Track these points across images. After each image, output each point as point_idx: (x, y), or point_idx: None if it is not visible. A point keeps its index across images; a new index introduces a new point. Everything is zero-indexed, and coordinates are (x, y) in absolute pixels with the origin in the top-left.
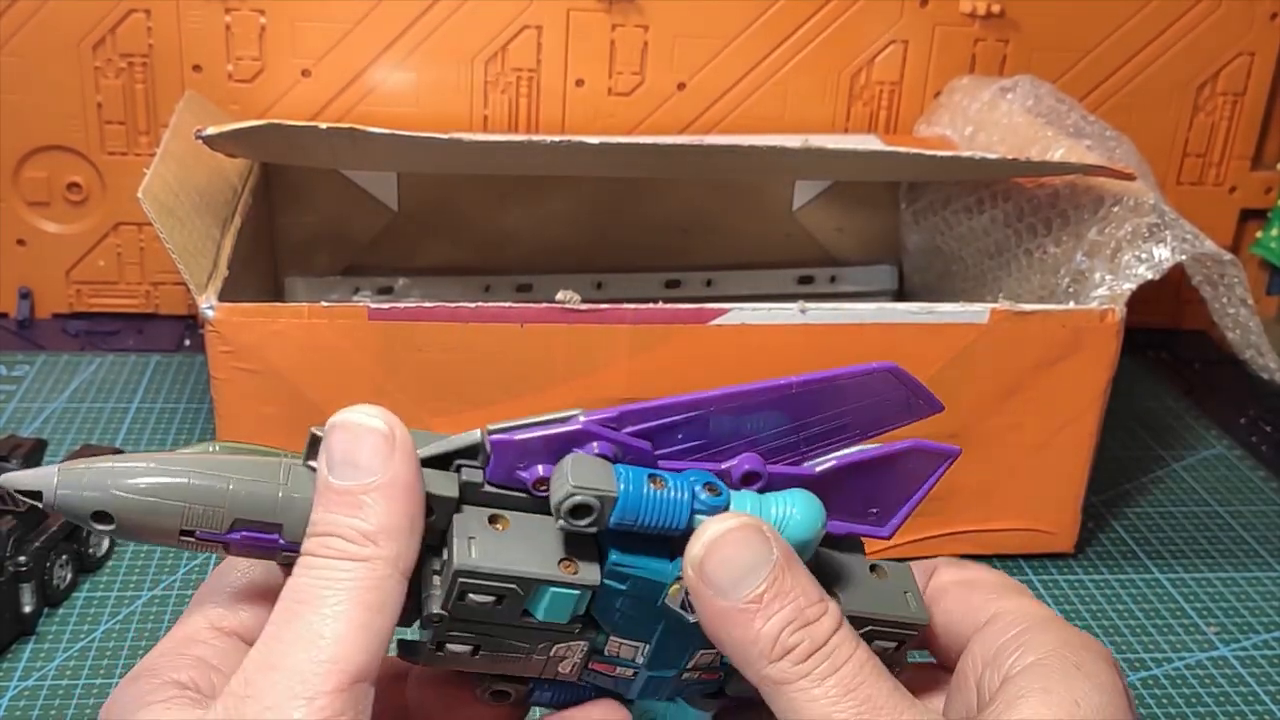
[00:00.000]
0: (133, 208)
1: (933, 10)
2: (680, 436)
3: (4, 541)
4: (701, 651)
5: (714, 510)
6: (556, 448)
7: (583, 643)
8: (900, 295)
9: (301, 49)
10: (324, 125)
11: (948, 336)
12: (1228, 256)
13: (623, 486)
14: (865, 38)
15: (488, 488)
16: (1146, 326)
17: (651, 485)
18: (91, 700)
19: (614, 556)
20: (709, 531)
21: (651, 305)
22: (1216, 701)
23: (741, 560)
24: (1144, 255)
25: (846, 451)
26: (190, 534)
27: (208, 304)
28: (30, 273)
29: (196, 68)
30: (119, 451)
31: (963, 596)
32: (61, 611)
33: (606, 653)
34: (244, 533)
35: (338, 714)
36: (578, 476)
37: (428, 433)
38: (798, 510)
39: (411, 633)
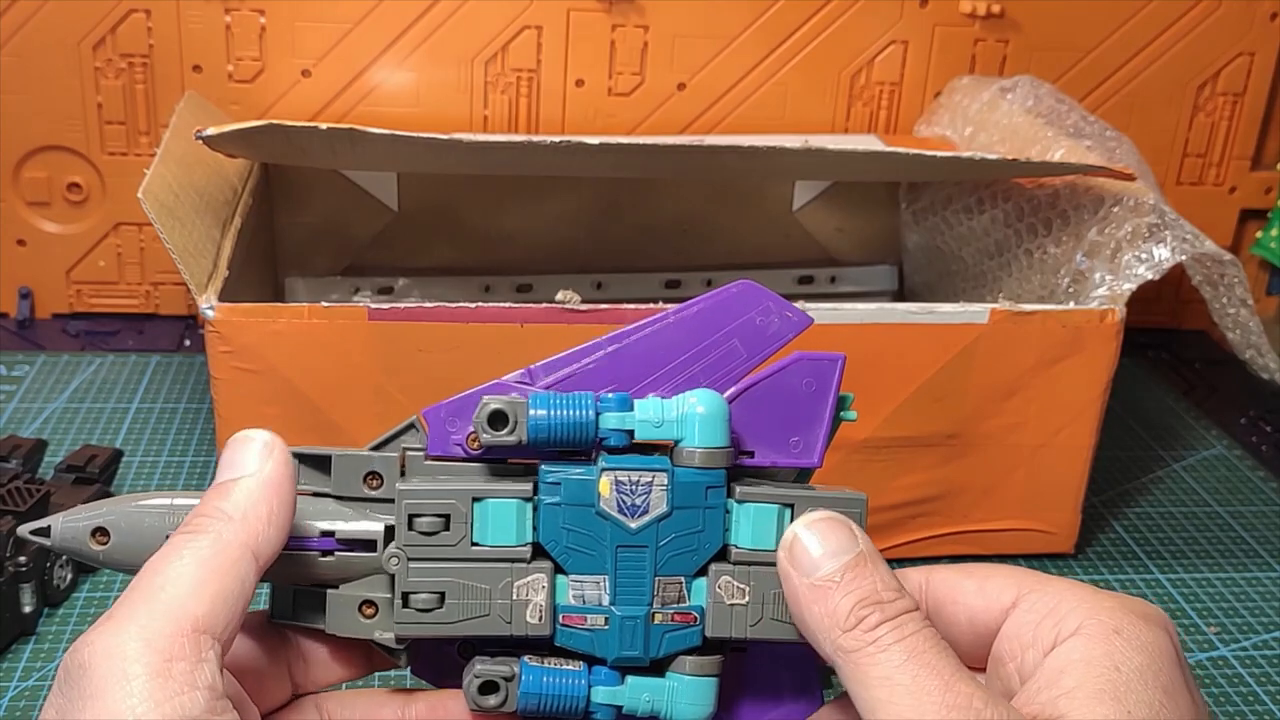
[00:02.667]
0: (133, 208)
1: (933, 10)
2: (594, 385)
3: (4, 541)
4: (661, 579)
5: (619, 407)
6: (477, 406)
7: (541, 575)
8: (900, 295)
9: (301, 49)
10: (324, 125)
11: (948, 336)
12: (1228, 256)
13: (532, 399)
14: (865, 38)
15: (428, 462)
16: (1146, 326)
17: (558, 404)
18: None
19: (541, 467)
20: (802, 519)
21: (651, 305)
22: (1216, 702)
23: (829, 545)
24: (1144, 255)
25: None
26: None
27: (208, 304)
28: (30, 273)
29: (196, 68)
30: (119, 452)
31: (977, 588)
32: (61, 611)
33: (572, 598)
34: None
35: (174, 657)
36: (492, 400)
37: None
38: (698, 399)
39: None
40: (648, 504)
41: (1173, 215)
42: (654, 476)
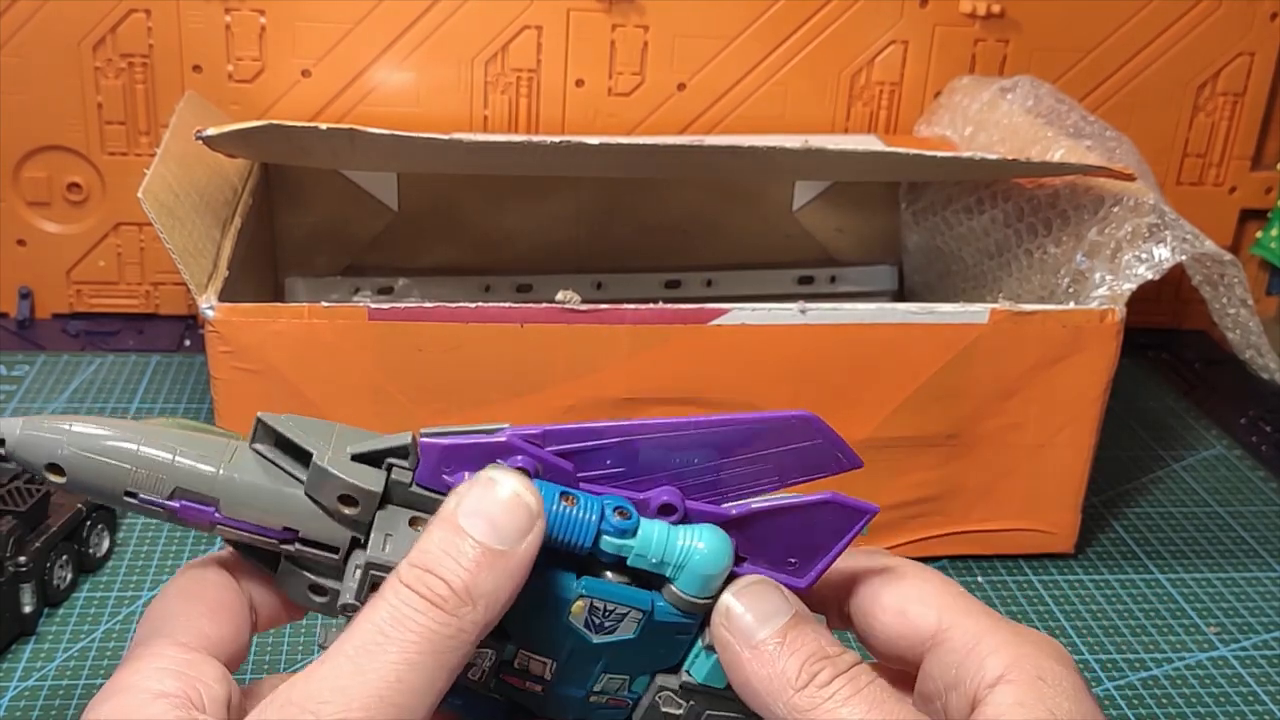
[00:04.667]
0: (133, 208)
1: (933, 10)
2: (606, 462)
3: (4, 541)
4: (608, 675)
5: (621, 533)
6: (481, 456)
7: (490, 652)
8: (900, 295)
9: (301, 49)
10: (324, 125)
11: (948, 336)
12: (1228, 257)
13: (545, 491)
14: (865, 38)
15: (415, 489)
16: (1146, 326)
17: (563, 502)
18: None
19: None
20: (732, 587)
21: (651, 305)
22: (1216, 701)
23: (763, 607)
24: (1144, 255)
25: (766, 497)
26: (134, 495)
27: (208, 304)
28: (30, 273)
29: (196, 68)
30: None
31: (898, 611)
32: (61, 611)
33: (516, 664)
34: (183, 502)
35: None
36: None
37: (362, 430)
38: (704, 543)
39: None
40: (616, 628)
41: (1173, 215)
42: (630, 610)
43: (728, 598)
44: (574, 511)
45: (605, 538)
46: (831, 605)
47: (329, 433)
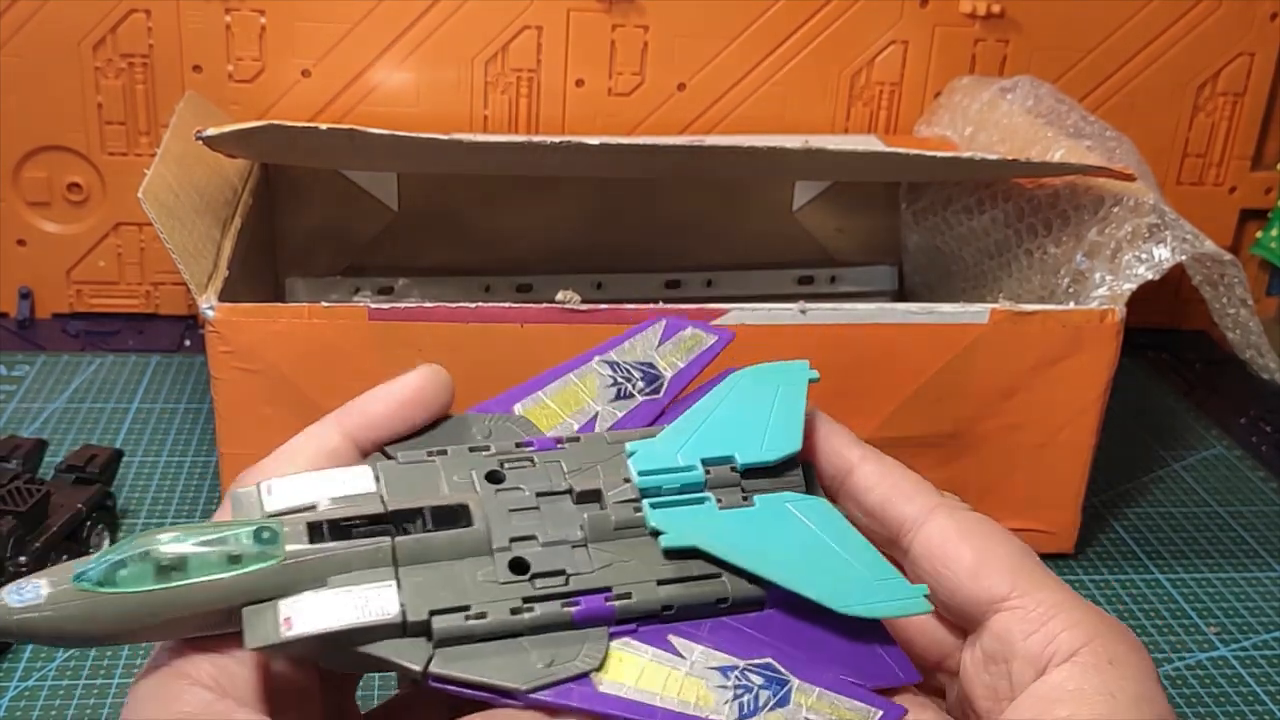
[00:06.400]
0: (133, 208)
1: (933, 10)
2: None
3: (4, 541)
4: None
5: None
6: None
7: None
8: (900, 295)
9: (301, 49)
10: (324, 126)
11: (948, 336)
12: (1228, 257)
13: None
14: (865, 38)
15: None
16: (1146, 326)
17: None
18: (91, 700)
19: None
20: None
21: (651, 305)
22: (1216, 701)
23: None
24: (1144, 255)
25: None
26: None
27: (208, 304)
28: (30, 273)
29: (197, 68)
30: (120, 453)
31: (971, 571)
32: None
33: None
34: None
35: None
36: None
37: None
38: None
39: None
40: None
41: (1173, 215)
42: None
43: None
44: None
45: None
46: (879, 537)
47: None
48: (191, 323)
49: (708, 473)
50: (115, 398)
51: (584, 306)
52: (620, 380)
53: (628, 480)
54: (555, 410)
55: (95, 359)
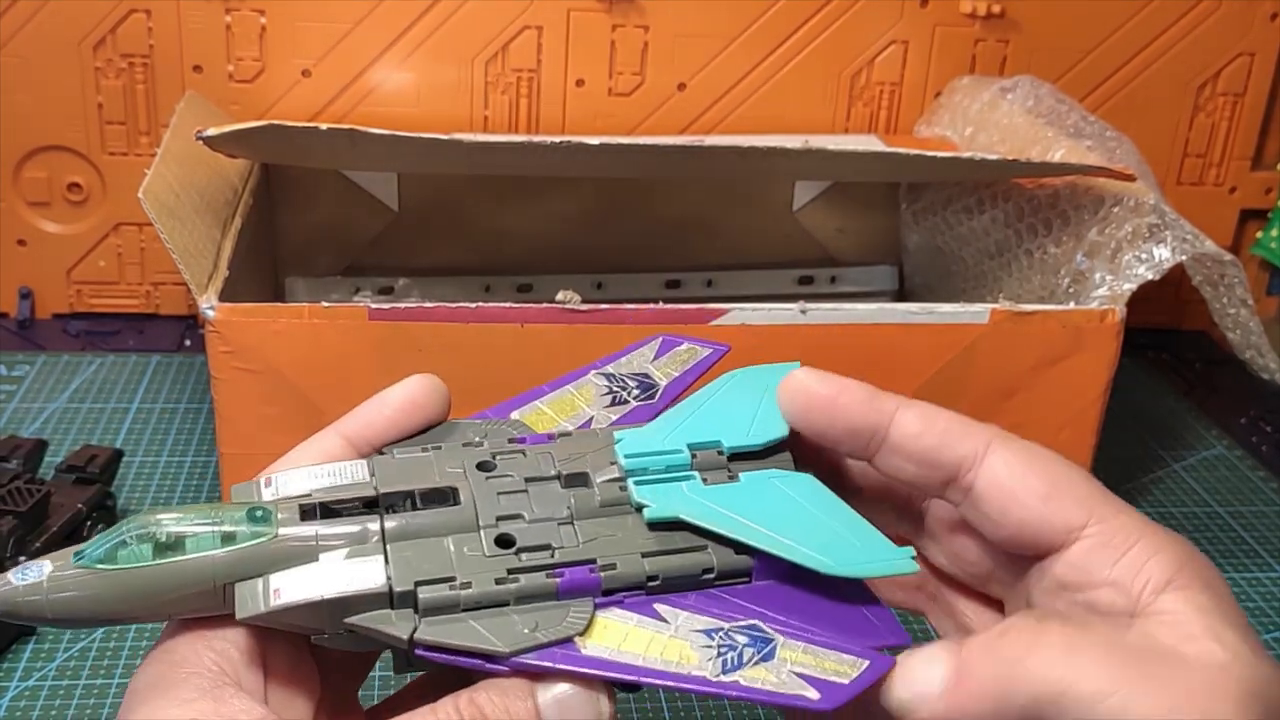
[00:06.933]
0: (133, 208)
1: (933, 10)
2: None
3: (4, 541)
4: None
5: None
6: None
7: None
8: (900, 295)
9: (301, 49)
10: (324, 126)
11: (948, 336)
12: (1228, 257)
13: None
14: (865, 38)
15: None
16: (1146, 326)
17: None
18: (91, 700)
19: None
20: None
21: (651, 305)
22: None
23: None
24: (1144, 255)
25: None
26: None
27: (208, 304)
28: (30, 273)
29: (197, 68)
30: (120, 453)
31: (1043, 499)
32: None
33: None
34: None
35: None
36: None
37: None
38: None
39: None
40: None
41: (1173, 215)
42: None
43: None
44: None
45: None
46: (931, 482)
47: None
48: (191, 323)
49: (694, 456)
50: (115, 398)
51: (584, 306)
52: (616, 389)
53: (614, 464)
54: (551, 416)
55: (95, 359)
